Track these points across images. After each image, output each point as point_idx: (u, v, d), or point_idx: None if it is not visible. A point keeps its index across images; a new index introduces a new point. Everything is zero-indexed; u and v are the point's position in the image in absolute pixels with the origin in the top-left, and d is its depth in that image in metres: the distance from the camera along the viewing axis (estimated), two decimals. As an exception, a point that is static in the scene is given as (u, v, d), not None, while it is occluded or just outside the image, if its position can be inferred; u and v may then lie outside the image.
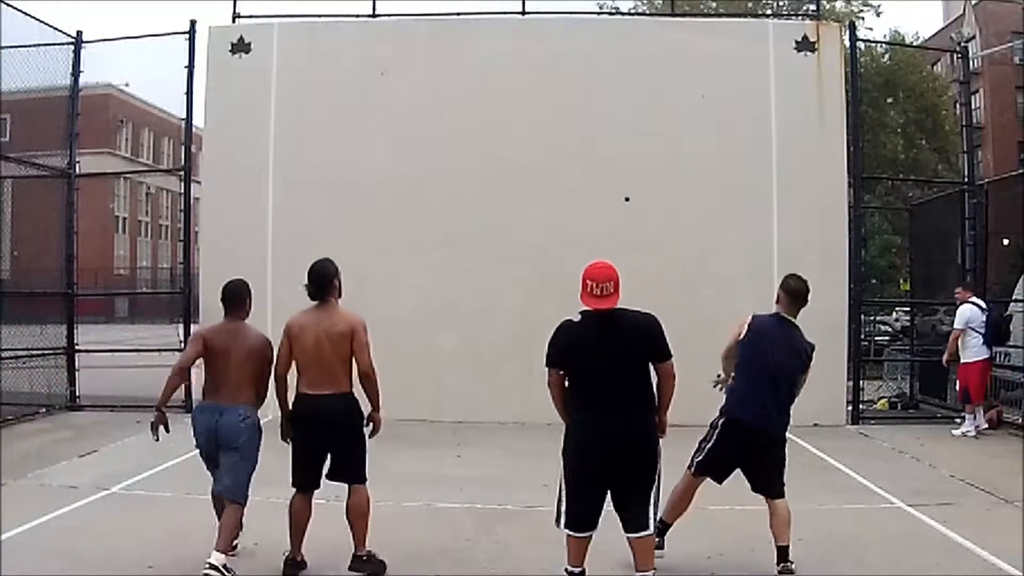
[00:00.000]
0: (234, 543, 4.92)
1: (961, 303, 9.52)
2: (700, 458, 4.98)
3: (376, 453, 5.88)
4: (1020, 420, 9.63)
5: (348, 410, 4.82)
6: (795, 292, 5.06)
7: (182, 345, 10.61)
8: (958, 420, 9.76)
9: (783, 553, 4.72)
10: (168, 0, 21.74)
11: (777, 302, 5.14)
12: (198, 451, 5.10)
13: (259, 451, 5.09)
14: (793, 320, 5.04)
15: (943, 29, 33.26)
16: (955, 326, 9.55)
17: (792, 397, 5.02)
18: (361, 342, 4.79)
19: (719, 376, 5.17)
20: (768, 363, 4.88)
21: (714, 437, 4.96)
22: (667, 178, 10.13)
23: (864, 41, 14.60)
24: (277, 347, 5.00)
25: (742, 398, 4.92)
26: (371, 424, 4.92)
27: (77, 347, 10.84)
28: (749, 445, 4.86)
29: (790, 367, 4.94)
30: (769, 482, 4.88)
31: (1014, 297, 11.12)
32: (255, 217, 10.31)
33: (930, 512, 5.98)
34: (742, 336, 4.98)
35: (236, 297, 5.26)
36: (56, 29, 10.50)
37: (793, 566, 4.70)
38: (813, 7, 16.37)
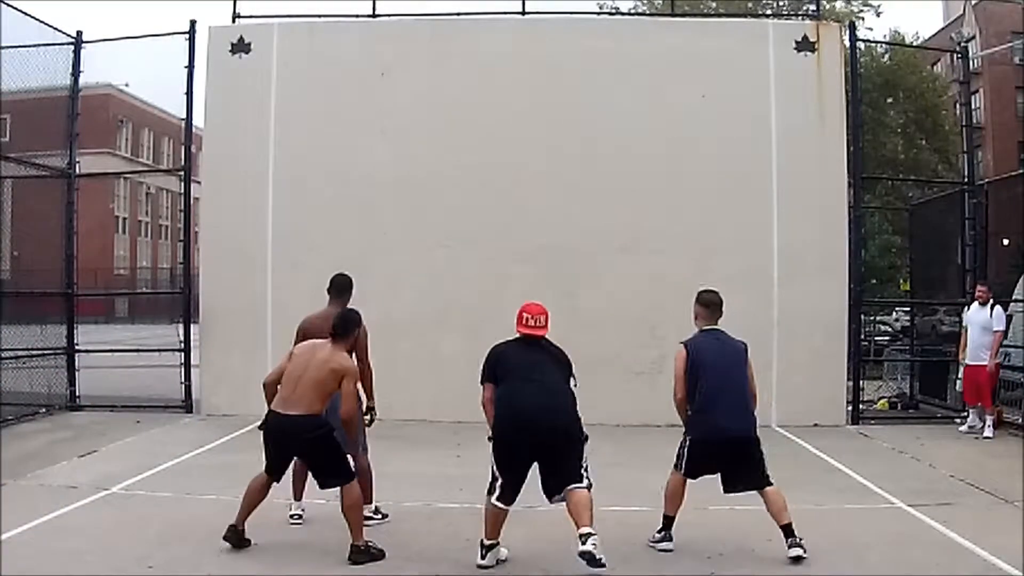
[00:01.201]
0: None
1: (984, 302, 9.41)
2: (683, 464, 5.20)
3: (376, 453, 5.90)
4: (1020, 420, 9.62)
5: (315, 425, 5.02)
6: (711, 303, 5.40)
7: (182, 345, 10.64)
8: (958, 420, 9.73)
9: (788, 530, 4.94)
10: (168, 0, 21.73)
11: (696, 318, 5.41)
12: None
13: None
14: (716, 327, 5.35)
15: (943, 29, 33.26)
16: (997, 327, 9.30)
17: (749, 394, 5.26)
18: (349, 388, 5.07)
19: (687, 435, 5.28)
20: (715, 377, 5.13)
21: (686, 454, 5.18)
22: (667, 178, 10.13)
23: (864, 41, 14.60)
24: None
25: (698, 418, 5.15)
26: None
27: (77, 347, 10.85)
28: (714, 456, 5.11)
29: (736, 371, 5.23)
30: (758, 477, 5.09)
31: (1014, 297, 11.11)
32: (255, 217, 10.31)
33: (930, 512, 5.97)
34: (686, 366, 5.19)
35: (344, 288, 5.84)
36: (56, 29, 10.50)
37: (801, 540, 4.88)
38: (813, 7, 16.33)
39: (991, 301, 9.44)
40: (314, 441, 4.98)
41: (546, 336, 5.15)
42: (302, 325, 5.73)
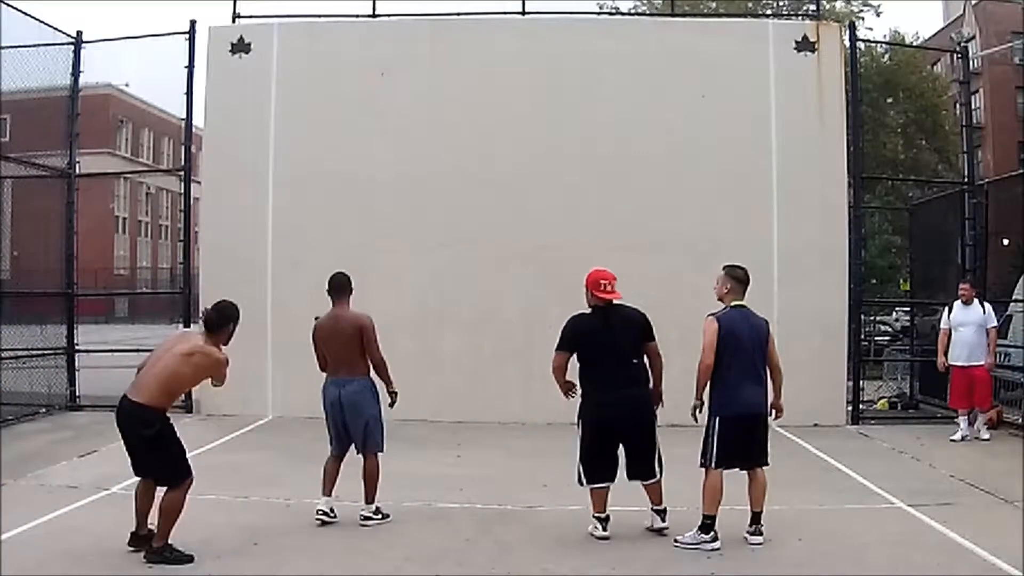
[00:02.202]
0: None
1: (968, 301, 9.11)
2: (712, 455, 5.21)
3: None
4: (1020, 420, 9.61)
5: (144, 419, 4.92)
6: (741, 279, 5.54)
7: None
8: (958, 421, 9.69)
9: (757, 518, 5.23)
10: (168, 0, 21.74)
11: (727, 293, 5.49)
12: (325, 419, 5.78)
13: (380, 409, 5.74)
14: (744, 303, 5.45)
15: (943, 29, 33.25)
16: (992, 323, 9.11)
17: (770, 371, 5.38)
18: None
19: (696, 403, 5.28)
20: (745, 353, 5.25)
21: (715, 436, 5.20)
22: (667, 178, 10.13)
23: (864, 41, 14.59)
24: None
25: (731, 394, 5.21)
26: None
27: (77, 347, 10.84)
28: (747, 432, 5.22)
29: (758, 351, 5.33)
30: (761, 453, 5.30)
31: (1014, 297, 11.11)
32: (255, 217, 10.31)
33: (930, 512, 5.97)
34: (717, 339, 5.23)
35: (342, 287, 5.84)
36: (56, 29, 10.50)
37: (763, 528, 5.20)
38: (813, 7, 16.34)
39: (975, 300, 9.15)
40: (149, 438, 4.87)
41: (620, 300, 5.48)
42: (313, 331, 5.82)
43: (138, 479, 5.03)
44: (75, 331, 10.87)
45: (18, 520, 5.38)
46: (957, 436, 9.00)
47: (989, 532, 5.42)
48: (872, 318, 15.77)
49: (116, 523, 5.55)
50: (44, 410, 10.08)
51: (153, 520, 4.86)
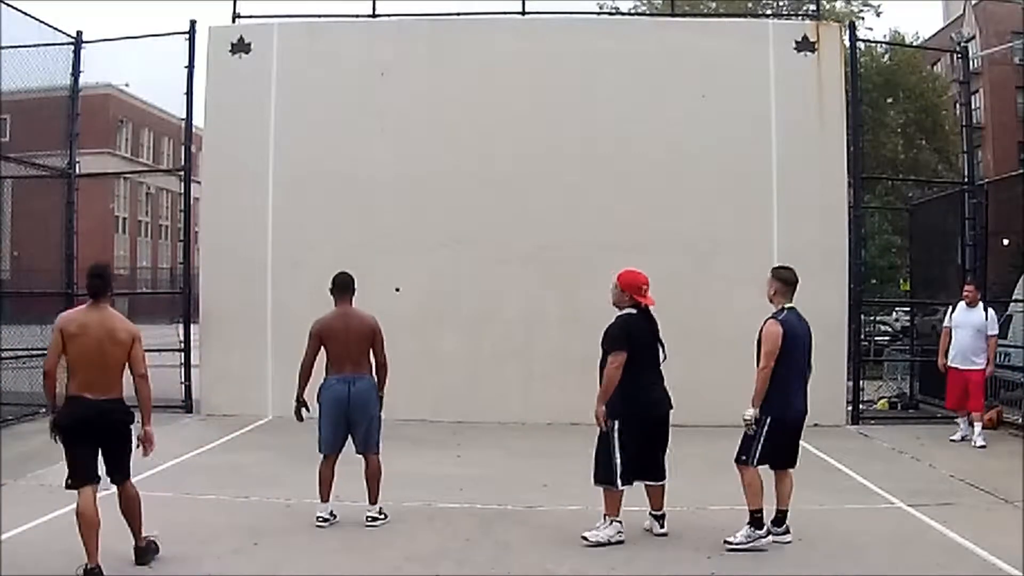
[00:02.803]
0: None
1: (973, 303, 8.92)
2: (756, 453, 5.23)
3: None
4: (1020, 420, 9.61)
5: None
6: (791, 280, 5.60)
7: (182, 345, 10.64)
8: (958, 421, 9.62)
9: (784, 516, 5.30)
10: (168, 0, 21.74)
11: (775, 295, 5.52)
12: (323, 418, 5.76)
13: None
14: (793, 305, 5.51)
15: (943, 29, 33.25)
16: (992, 331, 8.92)
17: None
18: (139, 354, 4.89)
19: (750, 417, 5.24)
20: (801, 357, 5.36)
21: (764, 436, 5.20)
22: (667, 178, 10.13)
23: (864, 41, 14.58)
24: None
25: (787, 399, 5.24)
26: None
27: (77, 347, 10.82)
28: (794, 435, 5.37)
29: (808, 353, 5.48)
30: (795, 455, 5.41)
31: (1014, 297, 11.10)
32: (255, 217, 10.31)
33: (930, 512, 5.97)
34: (781, 344, 5.23)
35: (345, 286, 5.87)
36: (56, 29, 10.50)
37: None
38: (813, 7, 16.36)
39: (980, 303, 9.00)
40: (122, 427, 4.80)
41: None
42: (318, 328, 5.81)
43: (80, 501, 4.71)
44: (75, 331, 10.84)
45: (18, 520, 5.38)
46: (956, 436, 8.95)
47: (989, 532, 5.43)
48: (872, 318, 15.75)
49: (116, 523, 5.55)
50: (44, 410, 10.04)
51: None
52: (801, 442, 8.65)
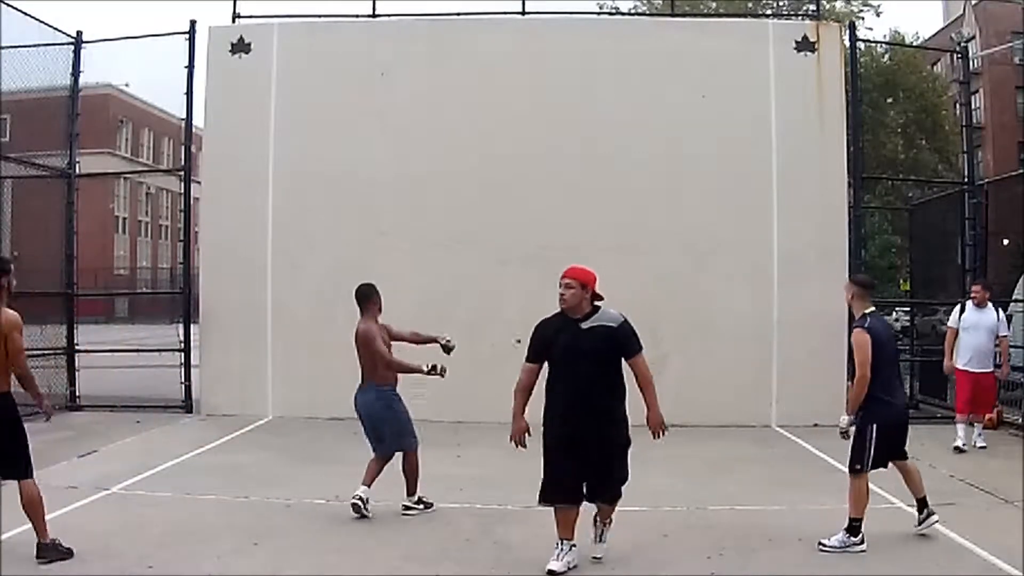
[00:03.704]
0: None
1: (982, 304, 8.57)
2: (869, 461, 5.26)
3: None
4: (1020, 420, 9.60)
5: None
6: (869, 284, 5.68)
7: (182, 345, 10.65)
8: (956, 428, 8.79)
9: (924, 502, 5.41)
10: (168, 0, 21.75)
11: (853, 300, 5.53)
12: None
13: (401, 418, 6.03)
14: (874, 308, 5.51)
15: (943, 29, 33.27)
16: (1005, 331, 8.68)
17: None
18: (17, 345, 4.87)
19: (844, 425, 5.31)
20: (891, 356, 5.44)
21: (872, 443, 5.24)
22: (667, 178, 10.12)
23: (864, 41, 14.59)
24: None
25: (887, 402, 5.27)
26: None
27: (77, 347, 10.85)
28: (901, 433, 5.40)
29: (897, 352, 5.61)
30: (904, 445, 5.41)
31: (1014, 297, 11.10)
32: (255, 217, 10.30)
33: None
34: (871, 352, 5.22)
35: (360, 297, 6.12)
36: (56, 29, 10.51)
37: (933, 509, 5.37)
38: (813, 7, 16.37)
39: (989, 303, 8.70)
40: (12, 423, 4.78)
41: None
42: (381, 331, 6.08)
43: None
44: (75, 331, 10.88)
45: (18, 520, 5.37)
46: (959, 443, 8.44)
47: (989, 532, 5.42)
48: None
49: (116, 523, 5.56)
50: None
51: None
52: (801, 442, 8.76)
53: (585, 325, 4.71)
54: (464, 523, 5.72)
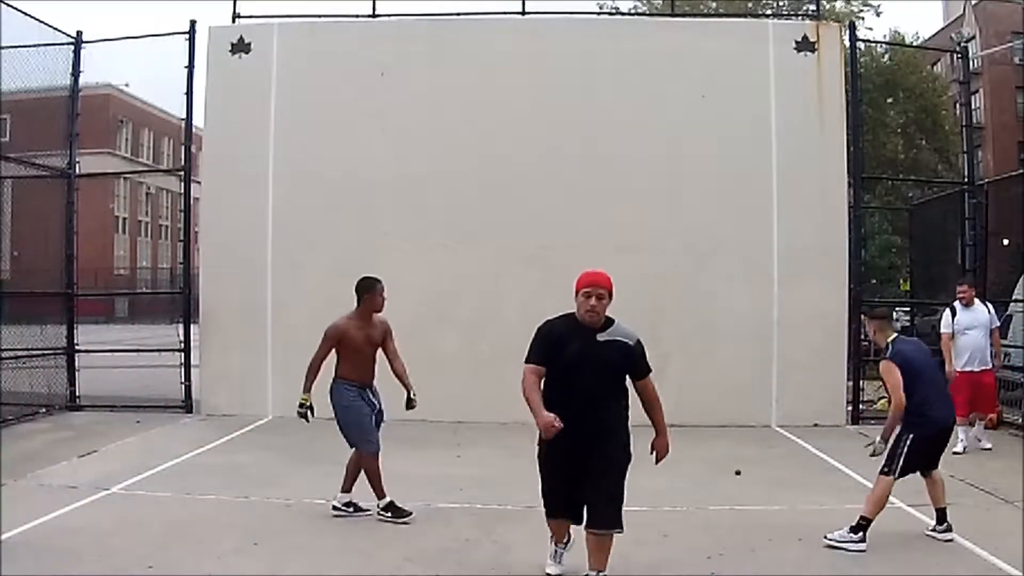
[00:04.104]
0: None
1: (970, 302, 8.54)
2: (898, 466, 5.32)
3: (376, 453, 5.91)
4: (1020, 420, 9.61)
5: None
6: (885, 315, 5.83)
7: (182, 345, 10.65)
8: (957, 432, 8.91)
9: (943, 514, 5.46)
10: (168, 0, 21.75)
11: (875, 333, 5.70)
12: None
13: (349, 414, 5.73)
14: (896, 332, 5.68)
15: (943, 29, 33.28)
16: (996, 324, 8.65)
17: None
18: None
19: (877, 443, 5.36)
20: (933, 377, 5.54)
21: (906, 450, 5.29)
22: (667, 178, 10.13)
23: (864, 41, 14.58)
24: None
25: (925, 416, 5.31)
26: None
27: (77, 347, 10.84)
28: (937, 445, 5.49)
29: (935, 367, 5.72)
30: (938, 459, 5.52)
31: (1014, 297, 11.10)
32: (255, 217, 10.31)
33: (930, 512, 5.94)
34: (901, 379, 5.27)
35: (356, 290, 5.90)
36: (56, 29, 10.50)
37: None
38: (813, 7, 16.32)
39: (976, 300, 8.60)
40: None
41: None
42: (336, 332, 5.79)
43: None
44: (75, 331, 10.87)
45: (18, 520, 5.38)
46: (959, 448, 8.19)
47: (989, 532, 5.43)
48: (872, 318, 15.75)
49: (116, 523, 5.56)
50: (44, 410, 10.08)
51: None
52: (801, 442, 8.76)
53: (602, 337, 4.39)
54: (464, 523, 5.72)
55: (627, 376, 4.45)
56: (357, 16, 10.80)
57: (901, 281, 18.97)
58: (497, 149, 10.16)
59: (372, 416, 5.82)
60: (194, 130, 11.02)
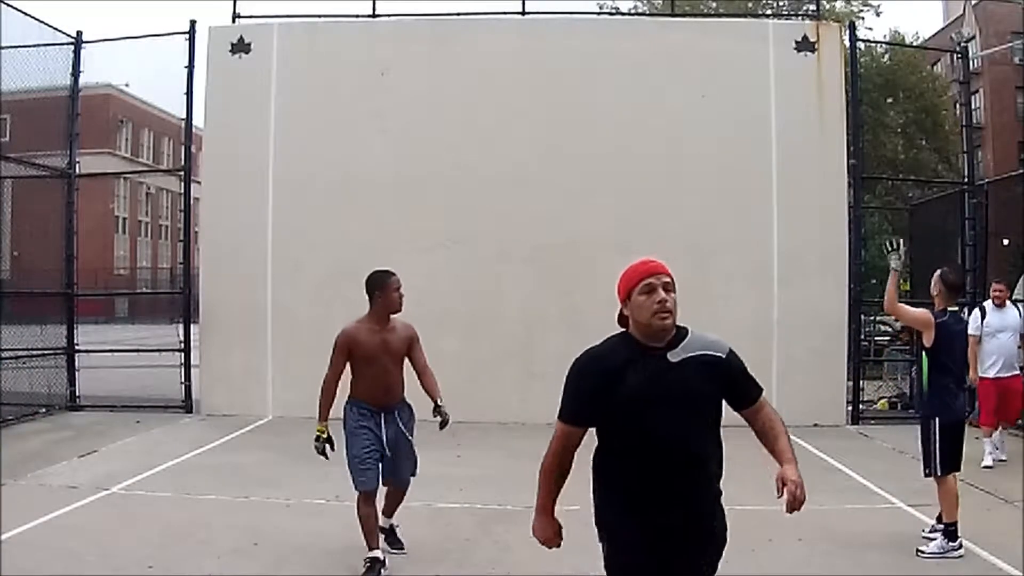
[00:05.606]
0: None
1: (1002, 303, 8.12)
2: (937, 460, 5.15)
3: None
4: (1020, 420, 9.59)
5: None
6: (956, 285, 5.44)
7: (182, 345, 10.66)
8: (984, 444, 7.82)
9: (955, 527, 5.12)
10: (168, 0, 21.75)
11: (938, 295, 5.33)
12: None
13: (349, 442, 4.91)
14: (954, 308, 5.41)
15: (943, 29, 33.27)
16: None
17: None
18: None
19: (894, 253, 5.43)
20: (959, 361, 5.40)
21: (938, 441, 5.15)
22: (667, 178, 10.13)
23: (864, 41, 14.59)
24: None
25: (949, 401, 5.21)
26: None
27: (77, 347, 10.84)
28: (959, 436, 5.26)
29: (965, 354, 5.61)
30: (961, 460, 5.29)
31: (1014, 297, 11.09)
32: (255, 217, 10.31)
33: (930, 512, 5.94)
34: (932, 340, 5.15)
35: (365, 286, 5.14)
36: (56, 29, 10.50)
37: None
38: (813, 7, 16.36)
39: (1008, 301, 8.14)
40: None
41: None
42: (345, 339, 5.03)
43: None
44: (75, 331, 10.87)
45: (18, 520, 5.38)
46: (989, 461, 7.55)
47: (989, 532, 5.42)
48: (872, 318, 15.76)
49: (116, 523, 5.56)
50: (44, 410, 10.08)
51: None
52: (801, 442, 8.73)
53: (675, 357, 2.77)
54: (464, 523, 5.72)
55: (724, 406, 2.91)
56: (357, 16, 10.81)
57: (901, 281, 18.95)
58: (497, 149, 10.16)
59: (376, 448, 4.84)
60: (194, 130, 11.03)
